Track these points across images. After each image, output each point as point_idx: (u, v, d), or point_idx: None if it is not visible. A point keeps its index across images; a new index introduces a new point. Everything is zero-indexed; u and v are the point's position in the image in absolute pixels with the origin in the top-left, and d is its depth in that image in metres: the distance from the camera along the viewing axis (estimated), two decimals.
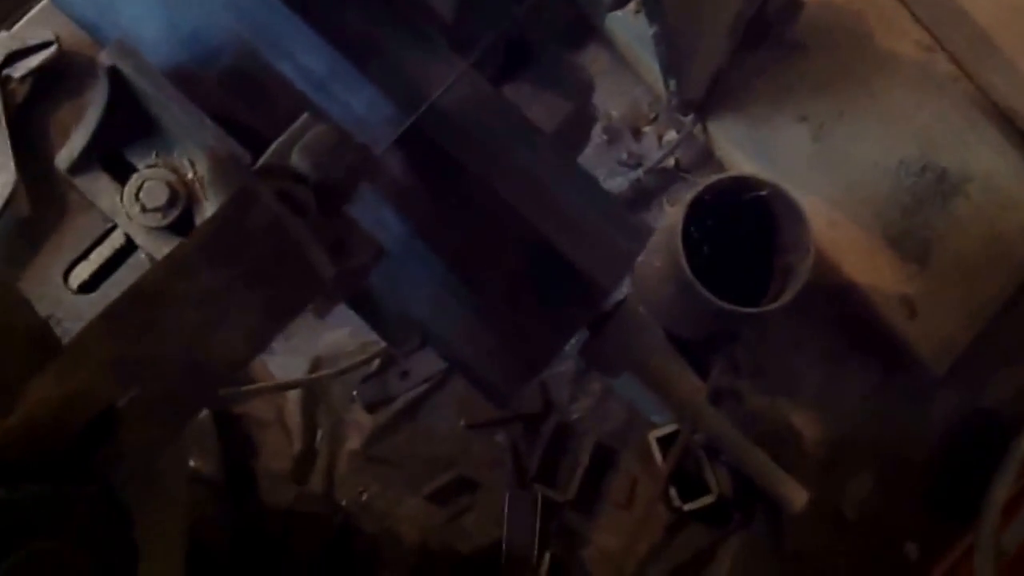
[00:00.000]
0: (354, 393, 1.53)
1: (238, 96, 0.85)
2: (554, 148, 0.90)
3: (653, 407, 1.53)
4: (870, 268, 1.57)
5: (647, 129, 1.68)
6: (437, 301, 0.87)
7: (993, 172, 1.60)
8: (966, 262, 1.58)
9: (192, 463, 1.36)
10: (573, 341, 0.96)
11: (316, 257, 0.72)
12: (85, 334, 0.65)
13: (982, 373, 1.62)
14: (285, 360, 1.53)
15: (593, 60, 1.68)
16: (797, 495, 1.16)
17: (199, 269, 0.68)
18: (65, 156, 0.82)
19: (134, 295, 0.67)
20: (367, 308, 0.91)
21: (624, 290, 1.59)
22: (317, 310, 0.80)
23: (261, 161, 0.75)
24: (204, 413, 1.43)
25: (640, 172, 1.62)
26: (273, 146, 0.76)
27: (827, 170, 1.60)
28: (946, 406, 1.62)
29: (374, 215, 0.84)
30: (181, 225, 0.83)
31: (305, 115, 0.76)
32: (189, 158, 0.84)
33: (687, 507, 1.47)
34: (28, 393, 0.61)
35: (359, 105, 0.85)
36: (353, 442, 1.53)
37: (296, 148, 0.74)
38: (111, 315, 0.66)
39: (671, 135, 1.66)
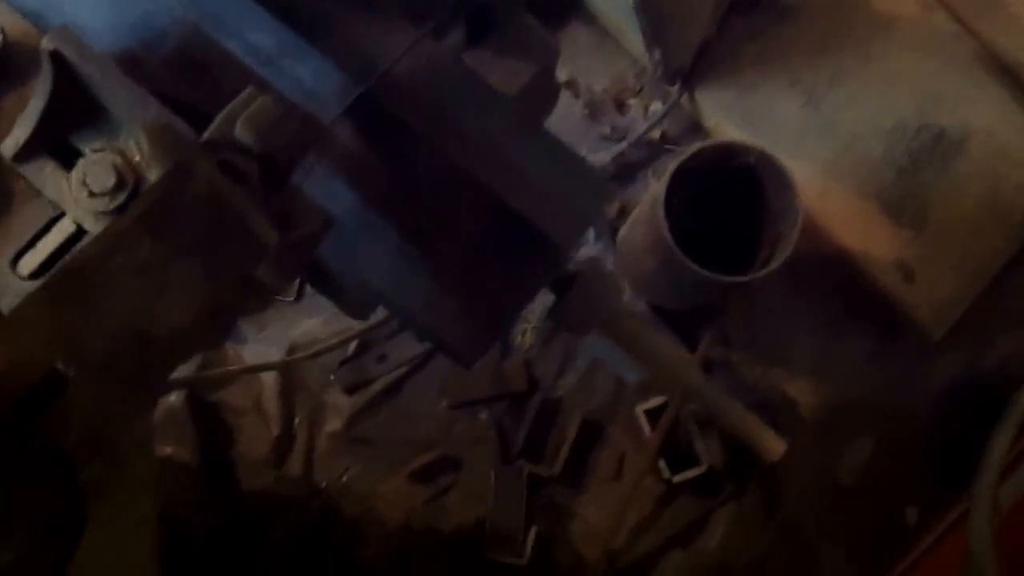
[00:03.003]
0: (332, 376, 1.52)
1: (184, 76, 0.83)
2: (515, 111, 0.88)
3: (624, 364, 1.50)
4: (865, 234, 1.54)
5: (632, 101, 1.64)
6: (394, 269, 0.86)
7: (995, 128, 1.55)
8: (965, 223, 1.53)
9: (168, 450, 1.35)
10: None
11: (258, 224, 0.71)
12: (25, 304, 0.65)
13: (982, 335, 1.57)
14: (259, 349, 1.52)
15: (575, 36, 1.64)
16: (774, 445, 1.13)
17: (138, 240, 0.67)
18: (10, 144, 0.80)
19: (73, 267, 0.67)
20: (326, 282, 0.89)
21: (591, 251, 1.56)
22: (282, 287, 0.79)
23: (205, 135, 0.74)
24: (179, 400, 1.42)
25: (624, 145, 1.58)
26: (217, 119, 0.74)
27: (819, 136, 1.56)
28: (945, 369, 1.57)
29: (326, 187, 0.82)
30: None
31: (249, 88, 0.75)
32: (135, 140, 0.82)
33: (677, 478, 1.45)
34: None
35: (308, 77, 0.83)
36: (333, 424, 1.51)
37: (240, 120, 0.73)
38: (50, 286, 0.66)
39: (657, 106, 1.62)
